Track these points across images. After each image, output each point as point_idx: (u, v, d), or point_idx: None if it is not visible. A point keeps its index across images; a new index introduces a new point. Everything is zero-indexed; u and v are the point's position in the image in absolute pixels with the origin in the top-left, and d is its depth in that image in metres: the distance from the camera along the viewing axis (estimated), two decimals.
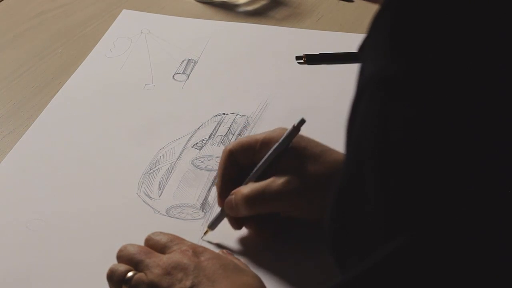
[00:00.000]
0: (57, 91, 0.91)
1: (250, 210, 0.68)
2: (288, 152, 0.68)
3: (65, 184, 0.76)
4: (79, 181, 0.77)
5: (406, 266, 0.37)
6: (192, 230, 0.71)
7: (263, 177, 0.68)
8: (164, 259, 0.60)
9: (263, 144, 0.69)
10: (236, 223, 0.70)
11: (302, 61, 0.96)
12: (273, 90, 0.90)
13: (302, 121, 0.68)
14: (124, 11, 1.07)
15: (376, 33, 0.41)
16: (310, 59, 0.95)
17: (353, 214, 0.42)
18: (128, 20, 1.05)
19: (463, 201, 0.36)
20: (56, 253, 0.69)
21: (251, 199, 0.67)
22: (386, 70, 0.39)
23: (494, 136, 0.36)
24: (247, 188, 0.68)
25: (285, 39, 1.01)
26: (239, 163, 0.70)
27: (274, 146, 0.68)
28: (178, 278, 0.58)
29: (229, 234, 0.70)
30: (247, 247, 0.69)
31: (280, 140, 0.68)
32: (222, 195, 0.70)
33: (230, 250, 0.68)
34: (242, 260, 0.65)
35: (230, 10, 1.09)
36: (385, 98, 0.39)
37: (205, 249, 0.62)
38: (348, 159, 0.43)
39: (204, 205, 0.74)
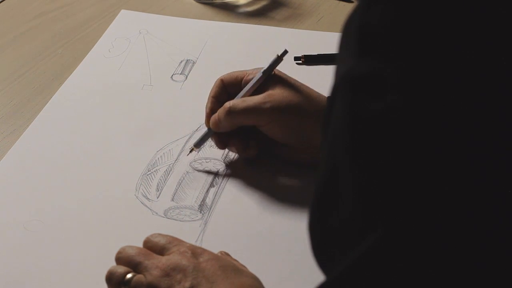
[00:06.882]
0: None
1: (230, 120, 0.76)
2: (271, 79, 0.77)
3: (63, 185, 0.76)
4: (77, 182, 0.77)
5: (382, 260, 0.38)
6: (190, 231, 0.71)
7: None
8: (163, 261, 0.60)
9: (251, 75, 0.78)
10: (221, 142, 0.78)
11: (300, 61, 0.96)
12: None
13: (285, 52, 0.78)
14: (122, 11, 1.07)
15: (347, 35, 0.42)
16: (308, 60, 0.95)
17: (331, 216, 0.43)
18: (126, 21, 1.05)
19: (433, 193, 0.37)
20: (54, 254, 0.69)
21: (233, 109, 0.75)
22: (356, 69, 0.41)
23: (459, 128, 0.37)
24: (230, 102, 0.76)
25: (285, 40, 1.01)
26: (228, 91, 0.79)
27: (258, 74, 0.77)
28: (177, 279, 0.58)
29: (228, 235, 0.70)
30: (245, 248, 0.69)
31: (264, 68, 0.77)
32: (210, 115, 0.78)
33: (229, 251, 0.67)
34: (240, 261, 0.65)
35: (231, 11, 1.09)
36: (354, 95, 0.40)
37: (204, 250, 0.62)
38: (324, 160, 0.44)
39: (202, 206, 0.74)
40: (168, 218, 0.73)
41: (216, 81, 0.79)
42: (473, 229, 0.37)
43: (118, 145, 0.82)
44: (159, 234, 0.64)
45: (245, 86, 0.78)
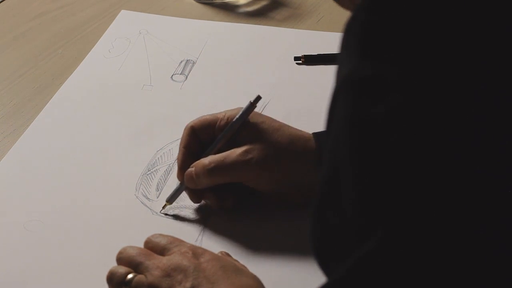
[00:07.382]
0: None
1: (210, 180, 0.70)
2: (247, 126, 0.71)
3: (64, 185, 0.76)
4: (77, 182, 0.77)
5: (382, 262, 0.38)
6: (190, 231, 0.71)
7: (222, 151, 0.71)
8: (164, 261, 0.60)
9: (223, 121, 0.72)
10: (195, 196, 0.72)
11: (300, 61, 0.95)
12: (272, 91, 0.89)
13: (258, 98, 0.72)
14: (122, 11, 1.07)
15: (349, 36, 0.42)
16: (308, 60, 0.95)
17: (332, 216, 0.43)
18: (126, 21, 1.05)
19: (433, 196, 0.37)
20: (54, 254, 0.69)
21: (212, 169, 0.70)
22: (357, 72, 0.40)
23: (461, 132, 0.37)
24: (207, 159, 0.71)
25: (285, 40, 1.01)
26: (200, 138, 0.73)
27: (232, 121, 0.72)
28: (178, 279, 0.58)
29: (228, 235, 0.70)
30: (245, 248, 0.69)
31: (237, 116, 0.72)
32: (183, 168, 0.72)
33: (229, 251, 0.67)
34: (240, 261, 0.65)
35: (231, 11, 1.09)
36: (356, 99, 0.40)
37: (205, 251, 0.62)
38: (326, 161, 0.44)
39: (202, 206, 0.74)
40: (168, 218, 0.73)
41: (185, 128, 0.73)
42: (473, 232, 0.37)
43: (118, 145, 0.82)
44: (160, 235, 0.64)
45: (218, 134, 0.72)
